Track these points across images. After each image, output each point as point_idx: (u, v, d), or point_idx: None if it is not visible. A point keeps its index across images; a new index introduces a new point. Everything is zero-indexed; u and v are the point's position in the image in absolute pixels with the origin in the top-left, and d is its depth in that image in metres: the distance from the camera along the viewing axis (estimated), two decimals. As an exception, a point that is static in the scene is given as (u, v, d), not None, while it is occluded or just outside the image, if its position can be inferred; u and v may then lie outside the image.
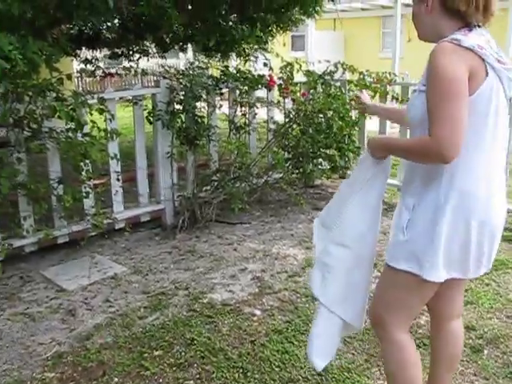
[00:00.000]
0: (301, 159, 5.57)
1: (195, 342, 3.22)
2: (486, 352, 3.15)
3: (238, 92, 5.18)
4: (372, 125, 6.15)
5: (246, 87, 5.09)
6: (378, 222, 2.35)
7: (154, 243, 4.83)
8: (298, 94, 5.13)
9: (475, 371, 2.99)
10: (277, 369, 2.97)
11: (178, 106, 4.85)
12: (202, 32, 5.16)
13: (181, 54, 8.11)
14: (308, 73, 5.30)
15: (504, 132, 2.07)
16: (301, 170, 5.66)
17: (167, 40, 6.42)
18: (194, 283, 4.04)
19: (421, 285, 2.10)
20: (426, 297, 2.21)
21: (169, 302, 3.75)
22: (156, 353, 3.13)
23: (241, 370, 2.96)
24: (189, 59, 4.86)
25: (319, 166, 5.77)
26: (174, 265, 4.38)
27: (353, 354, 3.13)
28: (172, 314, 3.57)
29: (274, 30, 6.00)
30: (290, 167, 5.58)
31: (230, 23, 5.32)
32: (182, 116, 4.87)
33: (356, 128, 5.65)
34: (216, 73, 5.26)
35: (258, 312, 3.61)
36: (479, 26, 2.00)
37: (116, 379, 2.93)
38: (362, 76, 5.38)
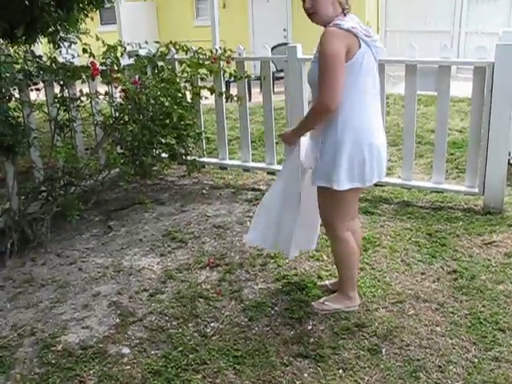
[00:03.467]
0: (136, 152, 5.00)
1: (60, 410, 2.64)
2: (383, 351, 2.96)
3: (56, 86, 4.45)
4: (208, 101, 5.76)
5: (66, 79, 4.36)
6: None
7: (-20, 277, 4.03)
8: (128, 83, 4.53)
9: (380, 378, 2.77)
10: (168, 426, 2.51)
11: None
12: (2, 16, 4.26)
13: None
14: (136, 57, 4.69)
15: (376, 84, 2.97)
16: (137, 163, 5.10)
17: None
18: (40, 324, 3.38)
19: (337, 194, 2.98)
20: (347, 201, 3.11)
21: (14, 357, 3.06)
22: None
23: None
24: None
25: (157, 157, 5.24)
26: (10, 303, 3.64)
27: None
28: (21, 376, 2.90)
29: (87, 8, 5.19)
30: (126, 163, 4.98)
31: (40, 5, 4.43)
32: (-8, 121, 4.05)
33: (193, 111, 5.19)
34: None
35: (126, 350, 3.08)
36: (348, 12, 2.88)
37: None
38: (196, 55, 4.90)
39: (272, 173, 5.63)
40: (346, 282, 3.31)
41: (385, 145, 3.06)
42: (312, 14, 2.89)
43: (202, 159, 5.82)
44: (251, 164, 5.74)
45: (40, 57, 4.31)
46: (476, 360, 2.87)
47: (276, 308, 3.40)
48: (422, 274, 3.73)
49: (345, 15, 2.85)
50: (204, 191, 5.47)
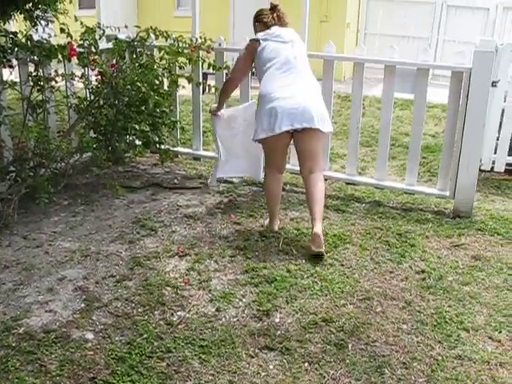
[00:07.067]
0: (110, 137, 4.92)
1: (19, 393, 2.58)
2: (350, 347, 2.95)
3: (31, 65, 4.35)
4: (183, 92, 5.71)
5: (42, 58, 4.27)
6: None
7: None
8: (104, 66, 4.45)
9: (345, 372, 2.77)
10: (130, 413, 2.47)
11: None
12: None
13: None
14: (115, 40, 4.62)
15: (286, 63, 4.13)
16: (109, 148, 5.02)
17: None
18: (2, 306, 3.29)
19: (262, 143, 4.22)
20: (269, 149, 4.22)
21: (-27, 338, 3.00)
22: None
23: (86, 425, 2.41)
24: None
25: (131, 144, 5.16)
26: (-29, 283, 3.57)
27: (212, 374, 2.73)
28: (-20, 357, 2.84)
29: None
30: (99, 147, 4.90)
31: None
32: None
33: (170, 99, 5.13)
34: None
35: (90, 336, 3.03)
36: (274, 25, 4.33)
37: None
38: (175, 42, 4.84)
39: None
40: (268, 211, 4.38)
41: (293, 104, 3.95)
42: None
43: (175, 149, 5.76)
44: (225, 156, 5.70)
45: (15, 33, 4.21)
46: (440, 358, 2.89)
47: (244, 299, 3.38)
48: (391, 272, 3.75)
49: (268, 28, 4.31)
50: (176, 181, 5.42)
